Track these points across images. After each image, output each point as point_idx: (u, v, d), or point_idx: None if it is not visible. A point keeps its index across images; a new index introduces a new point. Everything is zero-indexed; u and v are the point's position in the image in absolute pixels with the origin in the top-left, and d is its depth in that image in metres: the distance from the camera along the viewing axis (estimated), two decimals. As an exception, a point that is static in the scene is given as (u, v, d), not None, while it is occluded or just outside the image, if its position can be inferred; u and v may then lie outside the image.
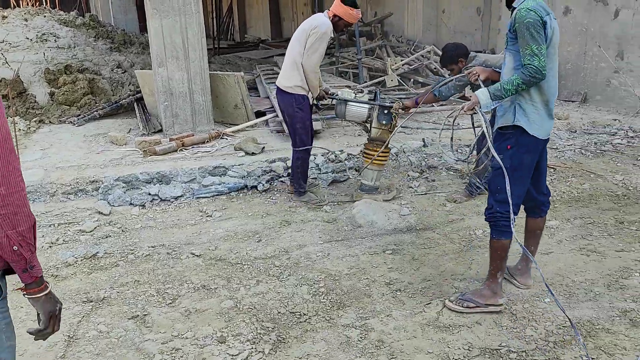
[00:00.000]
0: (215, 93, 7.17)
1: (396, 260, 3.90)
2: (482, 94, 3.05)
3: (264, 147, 6.13)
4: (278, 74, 9.29)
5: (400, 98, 4.94)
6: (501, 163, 2.93)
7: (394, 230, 4.40)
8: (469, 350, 2.87)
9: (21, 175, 1.56)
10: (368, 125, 4.94)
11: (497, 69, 3.54)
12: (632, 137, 6.53)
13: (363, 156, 5.02)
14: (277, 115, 7.07)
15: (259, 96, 8.66)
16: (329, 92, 5.05)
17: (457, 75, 4.30)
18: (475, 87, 3.58)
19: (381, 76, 9.33)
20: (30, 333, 1.73)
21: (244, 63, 12.30)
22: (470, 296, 3.23)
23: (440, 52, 9.90)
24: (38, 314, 1.70)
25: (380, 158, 4.88)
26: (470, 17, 11.07)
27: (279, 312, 3.28)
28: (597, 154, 6.03)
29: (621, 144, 6.30)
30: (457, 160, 4.47)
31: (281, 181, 5.49)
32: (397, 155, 5.97)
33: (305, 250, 4.07)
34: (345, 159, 5.90)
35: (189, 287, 3.60)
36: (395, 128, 4.79)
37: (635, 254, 3.86)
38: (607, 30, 7.81)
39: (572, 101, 8.31)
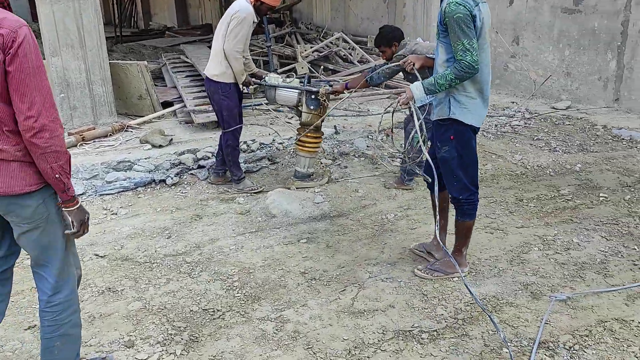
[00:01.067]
0: (117, 83, 6.79)
1: (311, 248, 3.88)
2: (417, 88, 3.11)
3: (171, 139, 5.89)
4: (185, 62, 9.02)
5: (330, 83, 4.93)
6: (428, 155, 3.08)
7: (309, 218, 4.39)
8: (383, 334, 2.91)
9: (60, 122, 2.12)
10: (300, 109, 4.94)
11: (430, 55, 3.58)
12: (528, 118, 6.92)
13: (296, 142, 5.02)
14: (185, 106, 6.83)
15: (166, 86, 8.32)
16: (261, 77, 5.01)
17: (390, 65, 4.29)
18: (408, 75, 3.62)
19: (291, 64, 9.27)
20: (67, 234, 2.27)
21: (148, 51, 11.77)
22: (438, 266, 3.45)
23: (348, 39, 9.99)
24: (72, 222, 2.24)
25: (311, 144, 4.90)
26: (377, 4, 11.25)
27: (191, 311, 3.16)
28: (497, 135, 6.34)
29: (519, 125, 6.66)
30: (395, 152, 4.59)
31: (191, 174, 5.31)
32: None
33: (217, 245, 3.95)
34: (258, 149, 5.81)
35: (93, 291, 3.38)
36: (326, 113, 4.79)
37: (533, 229, 4.09)
38: (504, 16, 8.21)
39: (474, 85, 8.68)
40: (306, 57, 9.29)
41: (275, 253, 3.82)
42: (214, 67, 4.70)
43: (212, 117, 6.43)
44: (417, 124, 3.10)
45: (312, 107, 4.80)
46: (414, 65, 3.43)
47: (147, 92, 6.87)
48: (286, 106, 5.14)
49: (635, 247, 3.75)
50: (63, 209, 2.24)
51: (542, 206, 4.49)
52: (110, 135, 6.14)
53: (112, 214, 4.52)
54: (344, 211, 4.52)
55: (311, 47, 9.73)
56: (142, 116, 6.78)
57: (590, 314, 3.02)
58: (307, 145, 4.92)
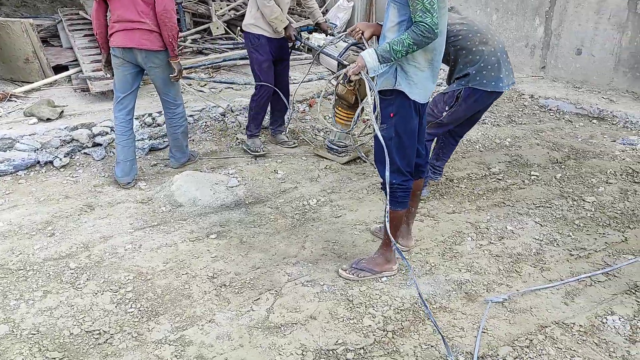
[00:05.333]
0: (-3, 44, 5.83)
1: (221, 246, 3.38)
2: (369, 55, 2.64)
3: (62, 111, 5.08)
4: (85, 19, 7.99)
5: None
6: (380, 135, 2.63)
7: (221, 207, 3.87)
8: (303, 354, 2.50)
9: (174, 13, 3.86)
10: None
11: (382, 23, 3.07)
12: (456, 87, 6.63)
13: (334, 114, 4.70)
14: (81, 71, 5.99)
15: (62, 47, 7.34)
16: (326, 30, 4.71)
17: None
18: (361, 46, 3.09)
19: (206, 23, 8.46)
20: (171, 77, 4.03)
21: (44, 5, 10.45)
22: (365, 264, 3.09)
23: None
24: (175, 69, 3.99)
25: (343, 116, 4.49)
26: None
27: (71, 334, 2.61)
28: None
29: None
30: (341, 132, 4.15)
31: (85, 153, 4.60)
32: (223, 116, 5.36)
33: (111, 244, 3.37)
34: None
35: (-53, 313, 2.74)
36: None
37: (465, 214, 3.79)
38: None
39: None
40: (222, 15, 8.51)
41: (180, 253, 3.29)
42: (246, 17, 4.45)
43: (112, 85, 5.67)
44: (370, 97, 2.62)
45: (343, 80, 4.35)
46: (362, 34, 2.94)
47: (34, 54, 5.94)
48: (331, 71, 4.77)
49: (570, 233, 3.54)
50: (171, 61, 3.94)
51: (473, 187, 4.20)
52: (-11, 106, 5.24)
53: (-16, 206, 3.79)
54: (262, 197, 4.04)
55: (227, 5, 8.93)
56: (30, 82, 5.89)
57: (529, 317, 2.75)
58: (338, 115, 4.51)
